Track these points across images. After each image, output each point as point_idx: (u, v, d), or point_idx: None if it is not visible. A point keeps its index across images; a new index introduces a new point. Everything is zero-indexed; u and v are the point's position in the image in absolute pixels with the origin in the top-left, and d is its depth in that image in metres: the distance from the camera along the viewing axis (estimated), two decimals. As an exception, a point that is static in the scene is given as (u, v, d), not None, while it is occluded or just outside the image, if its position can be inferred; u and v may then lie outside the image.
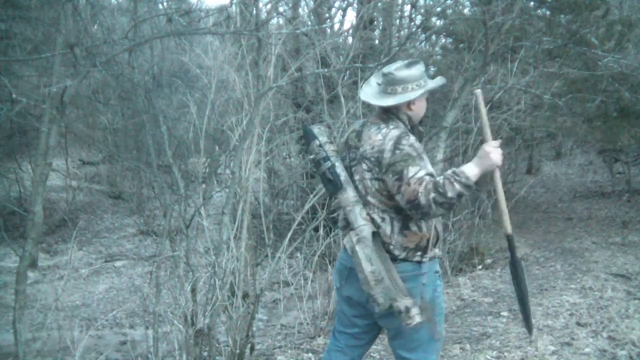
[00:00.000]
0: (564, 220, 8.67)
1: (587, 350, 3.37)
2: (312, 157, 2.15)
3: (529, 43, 5.57)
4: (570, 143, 13.55)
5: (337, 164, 2.08)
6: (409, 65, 2.07)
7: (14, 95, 3.64)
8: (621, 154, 10.27)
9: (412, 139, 1.97)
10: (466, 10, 7.58)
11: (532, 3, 6.59)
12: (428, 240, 2.01)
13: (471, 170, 1.88)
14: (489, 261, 6.32)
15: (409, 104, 2.07)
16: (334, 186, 2.06)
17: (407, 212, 1.92)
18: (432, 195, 1.81)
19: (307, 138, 2.16)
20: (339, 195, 2.05)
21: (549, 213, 9.41)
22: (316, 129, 2.17)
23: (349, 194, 2.03)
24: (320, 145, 2.11)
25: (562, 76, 6.25)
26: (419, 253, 2.01)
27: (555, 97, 6.07)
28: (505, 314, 4.29)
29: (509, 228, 2.07)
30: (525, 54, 5.60)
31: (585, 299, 4.43)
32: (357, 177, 2.06)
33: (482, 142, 2.00)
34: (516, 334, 3.73)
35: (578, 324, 3.84)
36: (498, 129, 7.09)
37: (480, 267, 6.17)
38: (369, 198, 2.02)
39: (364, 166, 2.03)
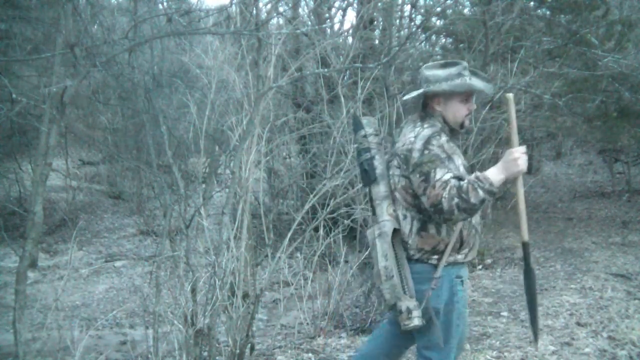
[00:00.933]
0: (564, 220, 8.66)
1: (587, 350, 3.37)
2: (355, 146, 2.18)
3: (529, 43, 5.58)
4: (570, 143, 13.55)
5: (376, 157, 2.11)
6: (443, 66, 2.08)
7: (14, 95, 3.64)
8: (621, 154, 10.28)
9: (443, 139, 1.96)
10: (466, 10, 7.59)
11: (532, 3, 6.60)
12: (446, 245, 1.99)
13: (495, 175, 1.86)
14: (489, 261, 6.32)
15: (432, 102, 2.08)
16: (368, 178, 2.09)
17: (429, 213, 1.92)
18: (455, 200, 1.80)
19: (354, 127, 2.19)
20: (371, 188, 2.08)
21: (549, 213, 9.40)
22: (365, 120, 2.19)
23: (381, 189, 2.07)
24: (365, 136, 2.14)
25: (562, 76, 6.25)
26: (435, 256, 2.00)
27: (555, 97, 6.06)
28: (505, 314, 4.29)
29: (526, 236, 2.06)
30: (525, 54, 5.60)
31: (585, 299, 4.43)
32: (391, 172, 2.09)
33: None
34: (516, 334, 3.73)
35: (578, 324, 3.84)
36: (498, 129, 7.08)
37: (480, 267, 6.17)
38: (396, 194, 2.05)
39: (395, 162, 2.06)
